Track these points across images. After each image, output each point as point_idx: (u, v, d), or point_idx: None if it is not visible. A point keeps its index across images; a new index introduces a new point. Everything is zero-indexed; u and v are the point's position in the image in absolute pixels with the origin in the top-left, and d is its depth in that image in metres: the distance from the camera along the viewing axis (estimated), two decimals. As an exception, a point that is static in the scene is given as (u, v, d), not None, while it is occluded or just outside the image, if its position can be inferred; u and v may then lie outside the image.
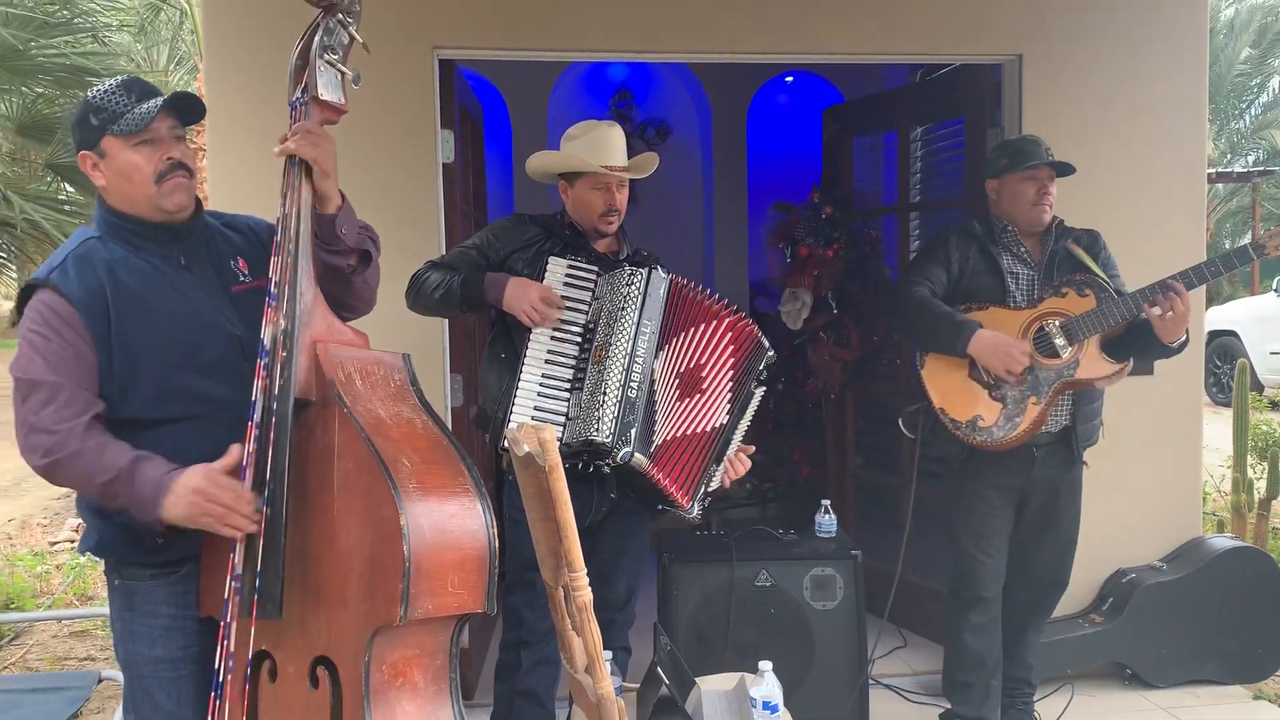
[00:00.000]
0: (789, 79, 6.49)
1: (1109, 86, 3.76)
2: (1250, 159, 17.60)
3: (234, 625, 1.78)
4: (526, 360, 2.60)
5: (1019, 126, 3.69)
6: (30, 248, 6.11)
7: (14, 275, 6.74)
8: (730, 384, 2.65)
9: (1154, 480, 3.83)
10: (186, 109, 1.95)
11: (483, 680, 3.60)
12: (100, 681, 3.61)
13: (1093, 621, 3.71)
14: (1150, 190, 3.78)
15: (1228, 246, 16.98)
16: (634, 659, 2.89)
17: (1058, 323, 2.90)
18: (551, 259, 2.67)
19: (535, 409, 2.56)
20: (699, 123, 6.43)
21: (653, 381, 2.59)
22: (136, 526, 1.85)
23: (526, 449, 1.90)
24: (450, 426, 3.35)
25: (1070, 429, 3.00)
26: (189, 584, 1.95)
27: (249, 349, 1.90)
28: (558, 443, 1.93)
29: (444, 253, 3.29)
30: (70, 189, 6.32)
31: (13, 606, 4.98)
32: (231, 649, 1.78)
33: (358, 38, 1.94)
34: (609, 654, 2.15)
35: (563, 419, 2.55)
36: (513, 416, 2.55)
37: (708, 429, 2.63)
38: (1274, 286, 10.17)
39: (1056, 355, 2.90)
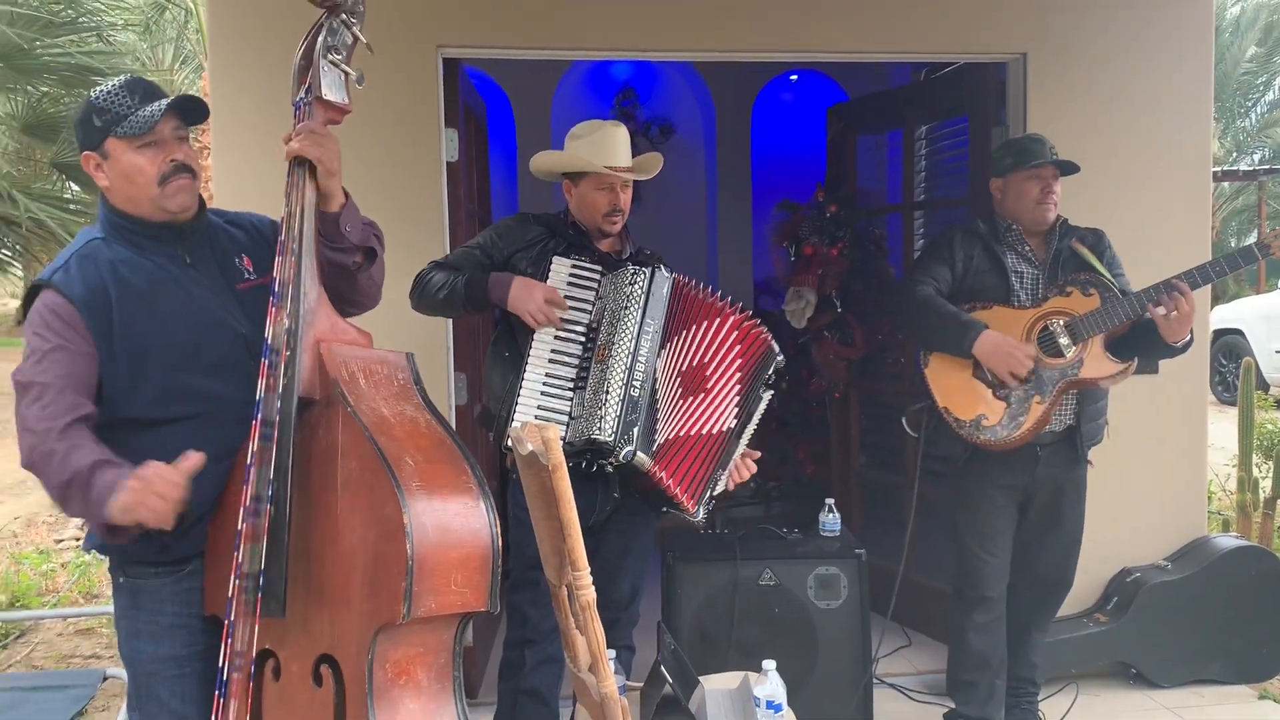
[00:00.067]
0: (793, 77, 6.48)
1: (1114, 85, 3.75)
2: (1256, 157, 17.55)
3: (238, 624, 1.78)
4: (530, 359, 2.60)
5: (1024, 125, 3.69)
6: (35, 246, 6.12)
7: (19, 274, 6.76)
8: (738, 387, 2.65)
9: (1159, 479, 3.83)
10: (190, 110, 1.95)
11: (487, 678, 3.61)
12: (105, 679, 3.62)
13: (1097, 621, 3.70)
14: (1155, 189, 3.78)
15: (1233, 245, 16.96)
16: (638, 658, 2.90)
17: (1062, 322, 2.90)
18: (555, 259, 2.68)
19: (539, 408, 2.56)
20: (703, 121, 6.43)
21: (655, 380, 2.59)
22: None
23: (530, 448, 1.90)
24: (454, 425, 3.36)
25: (1074, 428, 2.99)
26: (194, 582, 1.95)
27: (255, 347, 1.90)
28: (561, 442, 1.93)
29: (448, 251, 3.29)
30: (75, 188, 6.33)
31: (18, 604, 4.99)
32: (236, 647, 1.78)
33: (361, 38, 1.94)
34: (613, 653, 2.15)
35: (566, 418, 2.56)
36: (516, 415, 2.56)
37: (714, 431, 2.62)
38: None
39: (1061, 354, 2.89)
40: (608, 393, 2.51)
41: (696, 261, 6.35)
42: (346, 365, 1.84)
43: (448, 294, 2.66)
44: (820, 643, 3.26)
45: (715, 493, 2.64)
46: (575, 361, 2.61)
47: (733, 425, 2.64)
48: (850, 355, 4.52)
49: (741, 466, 2.69)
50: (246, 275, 2.02)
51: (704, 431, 2.61)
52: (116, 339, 1.86)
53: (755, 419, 2.68)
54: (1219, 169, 13.59)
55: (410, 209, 3.41)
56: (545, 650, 2.73)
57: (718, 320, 2.66)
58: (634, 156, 2.78)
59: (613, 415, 2.49)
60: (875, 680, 3.45)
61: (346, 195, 1.98)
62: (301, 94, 1.93)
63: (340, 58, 1.92)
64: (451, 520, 1.70)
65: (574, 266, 2.67)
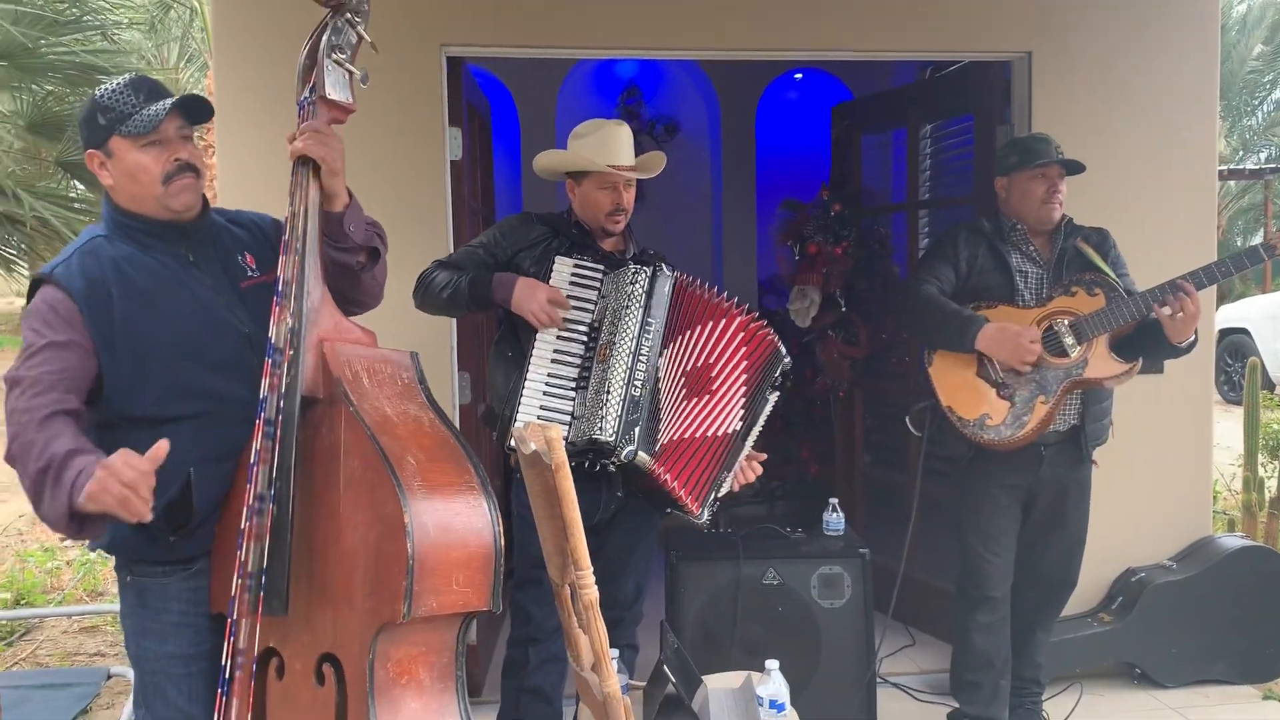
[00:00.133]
0: (798, 76, 6.48)
1: (1119, 83, 3.74)
2: (1262, 156, 17.50)
3: (241, 622, 1.78)
4: (532, 359, 2.60)
5: (1028, 124, 3.68)
6: (40, 245, 6.13)
7: (25, 272, 6.76)
8: (743, 389, 2.64)
9: (1164, 479, 3.82)
10: (195, 110, 1.95)
11: (490, 677, 3.61)
12: (109, 677, 3.63)
13: (1102, 621, 3.70)
14: (1161, 188, 3.77)
15: (1239, 244, 16.92)
16: (641, 657, 2.90)
17: (1066, 322, 2.89)
18: (558, 258, 2.67)
19: (541, 408, 2.56)
20: (708, 120, 6.43)
21: (657, 380, 2.59)
22: (147, 525, 1.85)
23: (533, 447, 1.90)
24: (458, 424, 3.36)
25: (1079, 428, 2.99)
26: (201, 581, 1.95)
27: (258, 346, 1.90)
28: (564, 441, 1.93)
29: (452, 250, 3.30)
30: (80, 186, 6.34)
31: (23, 602, 5.00)
32: (238, 645, 1.78)
33: (366, 37, 1.94)
34: (616, 652, 2.15)
35: (568, 417, 2.55)
36: (519, 415, 2.56)
37: (720, 434, 2.62)
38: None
39: (1065, 354, 2.89)
40: (609, 392, 2.51)
41: (701, 260, 6.34)
42: (350, 364, 1.84)
43: (451, 293, 2.66)
44: (824, 642, 3.26)
45: (720, 495, 2.64)
46: (578, 361, 2.61)
47: (738, 428, 2.63)
48: (854, 354, 4.52)
49: (746, 469, 2.69)
50: (250, 274, 2.02)
51: (709, 434, 2.61)
52: (118, 336, 1.86)
53: (761, 421, 2.67)
54: (1225, 167, 13.56)
55: (414, 208, 3.41)
56: (549, 649, 2.73)
57: (723, 321, 2.66)
58: (637, 155, 2.78)
59: (614, 415, 2.49)
60: (879, 679, 3.45)
61: (351, 195, 1.98)
62: (306, 93, 1.94)
63: (345, 57, 1.92)
64: (453, 520, 1.70)
65: (576, 266, 2.67)
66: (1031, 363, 2.86)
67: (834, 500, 3.56)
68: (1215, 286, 3.01)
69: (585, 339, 2.62)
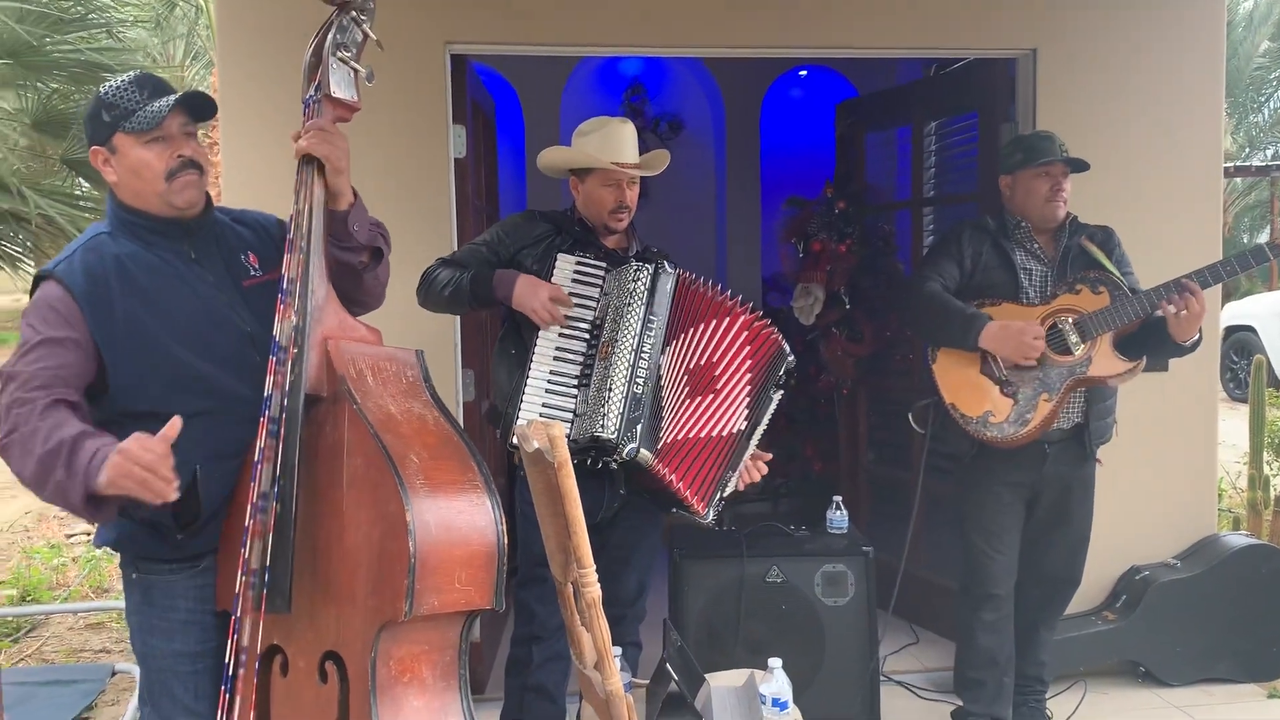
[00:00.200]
0: (803, 73, 6.47)
1: (1124, 80, 3.73)
2: (1269, 153, 17.44)
3: (244, 620, 1.79)
4: (535, 357, 2.60)
5: (1033, 121, 3.67)
6: (45, 243, 6.15)
7: (30, 270, 6.78)
8: (748, 388, 2.64)
9: (1169, 477, 3.81)
10: (198, 106, 1.95)
11: (494, 674, 3.61)
12: (114, 674, 3.64)
13: (1106, 619, 3.69)
14: (1166, 185, 3.76)
15: (1246, 241, 16.86)
16: (645, 654, 2.90)
17: (1071, 320, 2.89)
18: (560, 255, 2.67)
19: (543, 405, 2.56)
20: (712, 117, 6.42)
21: (660, 378, 2.59)
22: (152, 519, 1.86)
23: (536, 445, 1.91)
24: (462, 422, 3.36)
25: (1083, 426, 2.98)
26: (207, 578, 1.96)
27: (261, 345, 1.90)
28: (566, 439, 1.93)
29: (456, 248, 3.30)
30: (85, 184, 6.35)
31: (29, 599, 5.02)
32: (241, 643, 1.79)
33: (371, 35, 1.94)
34: (619, 650, 2.15)
35: (571, 415, 2.55)
36: (521, 413, 2.56)
37: (725, 434, 2.61)
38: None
39: (1069, 352, 2.88)
40: (611, 390, 2.51)
41: (705, 257, 6.34)
42: (354, 362, 1.84)
43: (453, 291, 2.67)
44: (827, 640, 3.26)
45: (725, 494, 2.64)
46: (580, 359, 2.60)
47: (743, 427, 2.63)
48: (858, 352, 4.51)
49: (752, 468, 2.68)
50: (252, 272, 2.02)
51: (714, 434, 2.60)
52: (120, 332, 1.86)
53: (765, 420, 2.67)
54: (1232, 165, 13.52)
55: (418, 205, 3.41)
56: (552, 647, 2.74)
57: (726, 319, 2.66)
58: (641, 153, 2.78)
59: (616, 412, 2.49)
60: (882, 677, 3.45)
61: (356, 195, 1.99)
62: (311, 91, 1.94)
63: (350, 55, 1.92)
64: (456, 518, 1.71)
65: (579, 263, 2.67)
66: (1035, 358, 2.85)
67: (838, 498, 3.56)
68: (1221, 284, 3.01)
69: (587, 336, 2.62)
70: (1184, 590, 3.66)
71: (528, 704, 2.77)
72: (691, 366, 2.64)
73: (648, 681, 2.35)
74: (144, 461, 1.66)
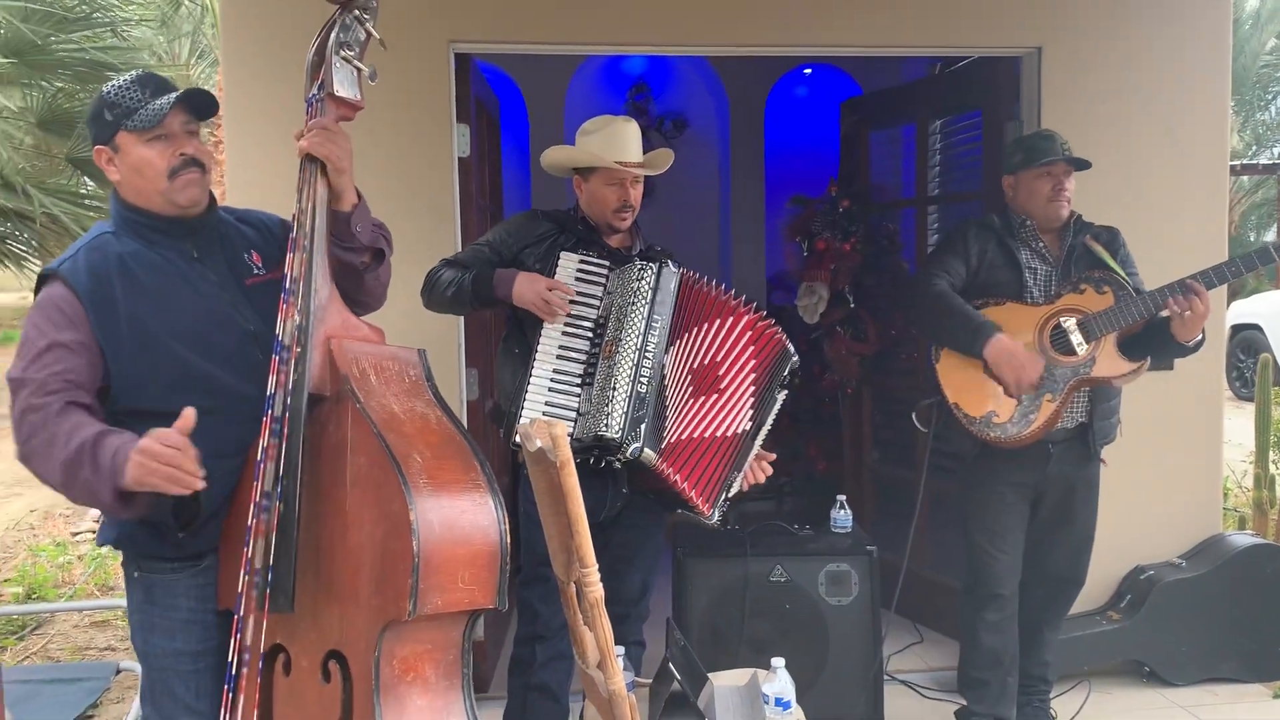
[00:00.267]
0: (807, 71, 6.46)
1: (1129, 79, 3.72)
2: (1276, 151, 17.39)
3: (248, 619, 1.79)
4: (538, 355, 2.60)
5: (1038, 119, 3.66)
6: (50, 241, 6.17)
7: (35, 268, 6.80)
8: (752, 388, 2.63)
9: (1174, 476, 3.80)
10: (200, 104, 1.95)
11: (498, 673, 3.62)
12: (119, 672, 3.65)
13: (1110, 619, 3.69)
14: (1171, 184, 3.75)
15: (1253, 240, 16.82)
16: (648, 653, 2.90)
17: (1075, 319, 2.88)
18: (563, 254, 2.67)
19: (546, 404, 2.56)
20: (716, 116, 6.42)
21: (664, 377, 2.59)
22: (153, 519, 1.86)
23: (538, 444, 1.90)
24: (465, 421, 3.37)
25: (1087, 426, 2.98)
26: (209, 578, 1.96)
27: (264, 343, 1.90)
28: (569, 438, 1.93)
29: (459, 247, 3.30)
30: (90, 183, 6.37)
31: (35, 597, 5.04)
32: (244, 642, 1.79)
33: (375, 34, 1.94)
34: (621, 649, 2.15)
35: (574, 414, 2.55)
36: (524, 412, 2.56)
37: (729, 434, 2.61)
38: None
39: (1073, 352, 2.87)
40: (615, 389, 2.50)
41: (709, 256, 6.34)
42: (357, 361, 1.85)
43: (455, 291, 2.67)
44: (831, 639, 3.26)
45: (730, 495, 2.63)
46: (583, 357, 2.60)
47: (747, 428, 2.62)
48: (863, 351, 4.51)
49: (756, 468, 2.68)
50: (255, 271, 2.02)
51: (718, 434, 2.60)
52: (124, 331, 1.86)
53: (769, 421, 2.66)
54: (1238, 163, 13.48)
55: (422, 204, 3.41)
56: (555, 646, 2.74)
57: (730, 319, 2.65)
58: (645, 152, 2.78)
59: (619, 411, 2.48)
60: (886, 677, 3.44)
61: (360, 197, 1.99)
62: (314, 90, 1.94)
63: (353, 54, 1.92)
64: (459, 517, 1.71)
65: (581, 261, 2.67)
66: (1025, 390, 2.85)
67: (842, 497, 3.55)
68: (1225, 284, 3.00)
69: (590, 335, 2.62)
70: (1189, 590, 3.65)
71: (531, 703, 2.78)
72: (695, 366, 2.63)
73: (651, 681, 2.35)
74: (166, 458, 1.69)
